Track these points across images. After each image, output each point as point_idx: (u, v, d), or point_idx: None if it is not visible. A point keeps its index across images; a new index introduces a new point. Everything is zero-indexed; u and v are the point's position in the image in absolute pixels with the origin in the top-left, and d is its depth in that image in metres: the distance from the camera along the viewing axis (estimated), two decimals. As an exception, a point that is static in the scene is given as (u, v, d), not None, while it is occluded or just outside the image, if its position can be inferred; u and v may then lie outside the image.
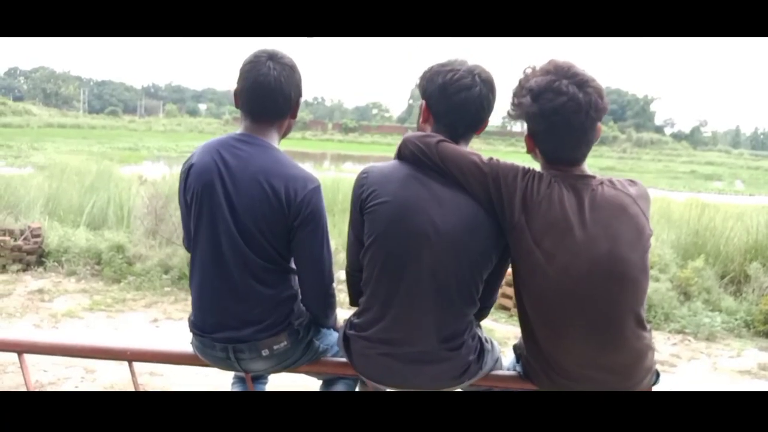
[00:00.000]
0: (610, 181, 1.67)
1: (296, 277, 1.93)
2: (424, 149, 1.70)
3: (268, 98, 1.85)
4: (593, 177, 1.67)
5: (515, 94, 1.70)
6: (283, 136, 1.98)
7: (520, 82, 1.69)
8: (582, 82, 1.59)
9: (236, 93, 1.90)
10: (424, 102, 1.80)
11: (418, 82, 1.83)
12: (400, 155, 1.77)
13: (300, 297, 1.96)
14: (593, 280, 1.58)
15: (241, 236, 1.82)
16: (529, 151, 1.76)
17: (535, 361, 1.75)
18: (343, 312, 6.34)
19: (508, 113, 1.76)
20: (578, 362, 1.66)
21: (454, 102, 1.73)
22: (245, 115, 1.90)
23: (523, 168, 1.68)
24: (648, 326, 1.70)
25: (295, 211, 1.80)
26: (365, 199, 1.72)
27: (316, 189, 1.83)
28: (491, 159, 1.70)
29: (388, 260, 1.70)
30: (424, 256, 1.66)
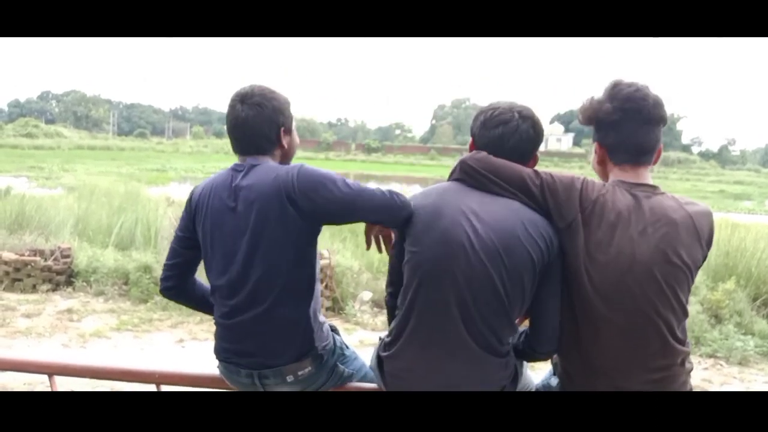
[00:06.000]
0: (674, 196, 1.75)
1: (313, 300, 1.91)
2: (478, 160, 1.78)
3: (244, 139, 1.93)
4: (655, 187, 1.75)
5: (585, 102, 1.82)
6: (286, 159, 2.00)
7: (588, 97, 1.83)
8: (646, 86, 1.76)
9: None
10: (471, 139, 1.91)
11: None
12: (451, 175, 1.84)
13: (321, 320, 1.95)
14: (634, 278, 1.64)
15: (254, 258, 1.82)
16: (599, 162, 1.84)
17: (573, 365, 1.76)
18: (367, 333, 6.27)
19: (578, 119, 1.88)
20: (615, 364, 1.68)
21: (493, 135, 1.82)
22: (235, 153, 1.98)
23: (577, 176, 1.77)
24: (686, 344, 1.72)
25: (300, 190, 1.79)
26: (406, 218, 1.79)
27: (305, 164, 1.87)
28: (543, 170, 1.78)
29: (422, 270, 1.71)
30: (459, 267, 1.66)
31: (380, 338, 1.90)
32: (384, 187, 1.87)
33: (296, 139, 2.04)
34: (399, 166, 49.74)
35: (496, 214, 1.70)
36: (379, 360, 1.84)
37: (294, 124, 2.04)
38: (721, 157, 74.85)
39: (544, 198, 1.72)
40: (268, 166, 1.89)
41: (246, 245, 1.83)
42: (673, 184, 40.94)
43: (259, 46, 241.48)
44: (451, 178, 1.83)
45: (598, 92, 1.80)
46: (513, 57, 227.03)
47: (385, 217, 1.84)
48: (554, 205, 1.71)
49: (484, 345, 1.70)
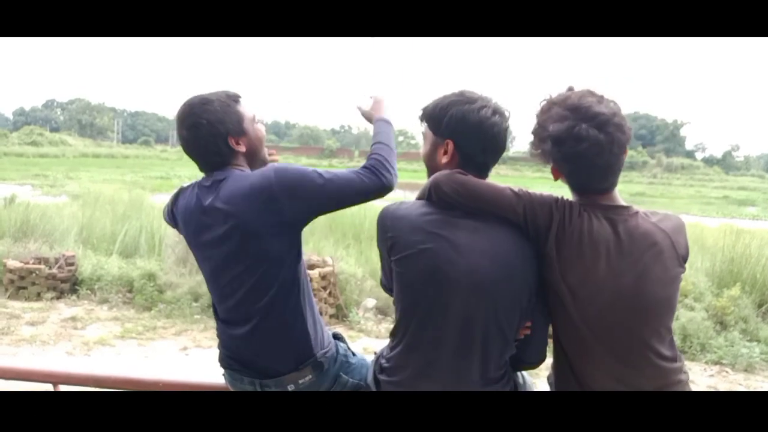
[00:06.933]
0: (645, 214, 1.65)
1: (308, 307, 1.90)
2: (460, 191, 1.65)
3: (199, 161, 1.92)
4: (627, 207, 1.65)
5: (535, 135, 1.67)
6: (254, 157, 1.96)
7: (538, 120, 1.67)
8: (601, 124, 1.57)
9: None
10: (450, 142, 1.71)
11: (429, 120, 1.77)
12: (430, 197, 1.70)
13: (320, 326, 1.94)
14: (616, 312, 1.59)
15: (238, 273, 1.82)
16: (557, 179, 1.74)
17: (568, 385, 1.72)
18: (371, 340, 6.25)
19: (531, 153, 1.74)
20: (608, 385, 1.64)
21: (489, 137, 1.69)
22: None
23: (555, 198, 1.66)
24: (677, 358, 1.68)
25: (281, 189, 1.76)
26: (390, 247, 1.67)
27: (278, 164, 1.87)
28: (521, 189, 1.68)
29: (419, 311, 1.64)
30: (457, 303, 1.61)
31: (375, 354, 1.85)
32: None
33: (257, 132, 1.95)
34: (402, 173, 48.28)
35: (490, 244, 1.62)
36: (376, 380, 1.78)
37: (251, 118, 1.93)
38: (725, 163, 74.72)
39: (526, 224, 1.63)
40: (238, 176, 1.85)
41: (226, 261, 1.84)
42: (677, 190, 40.88)
43: (262, 53, 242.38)
44: (427, 199, 1.70)
45: (552, 115, 1.61)
46: (516, 60, 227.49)
47: (373, 196, 1.84)
48: (534, 233, 1.63)
49: (483, 375, 1.65)
